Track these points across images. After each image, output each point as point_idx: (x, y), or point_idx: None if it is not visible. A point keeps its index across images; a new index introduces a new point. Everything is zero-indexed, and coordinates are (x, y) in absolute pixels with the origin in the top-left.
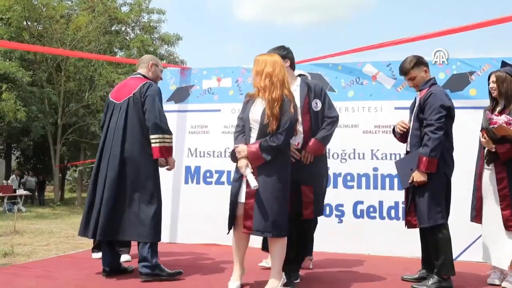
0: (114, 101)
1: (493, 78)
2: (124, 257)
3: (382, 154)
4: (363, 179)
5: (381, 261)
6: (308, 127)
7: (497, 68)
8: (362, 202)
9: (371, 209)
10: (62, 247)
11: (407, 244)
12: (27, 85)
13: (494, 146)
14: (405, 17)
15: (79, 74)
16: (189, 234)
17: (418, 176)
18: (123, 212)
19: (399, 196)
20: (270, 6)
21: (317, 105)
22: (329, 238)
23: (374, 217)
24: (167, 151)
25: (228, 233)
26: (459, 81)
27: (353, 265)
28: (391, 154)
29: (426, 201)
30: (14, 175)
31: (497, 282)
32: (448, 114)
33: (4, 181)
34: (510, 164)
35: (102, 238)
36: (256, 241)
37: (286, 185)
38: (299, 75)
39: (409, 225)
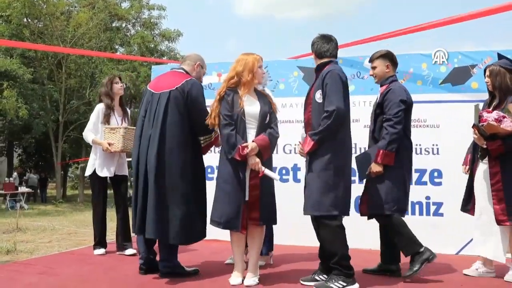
0: (152, 91)
1: (487, 72)
2: (129, 251)
3: None
4: None
5: None
6: (306, 120)
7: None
8: None
9: None
10: (64, 244)
11: None
12: (28, 82)
13: (485, 142)
14: (406, 11)
15: (80, 71)
16: None
17: (374, 167)
18: (155, 210)
19: None
20: (270, 1)
21: (320, 96)
22: None
23: None
24: (207, 147)
25: (241, 231)
26: (461, 75)
27: (355, 260)
28: None
29: (383, 191)
30: (15, 173)
31: (475, 273)
32: (406, 109)
33: (6, 179)
34: (504, 159)
35: (137, 234)
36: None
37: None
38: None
39: (362, 213)
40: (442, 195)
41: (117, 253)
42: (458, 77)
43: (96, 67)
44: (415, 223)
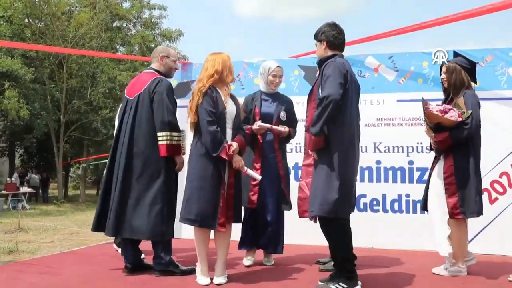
0: (127, 97)
1: (443, 69)
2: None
3: (384, 147)
4: (366, 172)
5: (384, 254)
6: (310, 117)
7: (500, 58)
8: (365, 196)
9: (374, 202)
10: (66, 244)
11: (410, 237)
12: (30, 82)
13: (433, 135)
14: (406, 9)
15: (81, 70)
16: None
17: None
18: (131, 209)
19: (403, 189)
20: (270, 1)
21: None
22: None
23: (378, 210)
24: (174, 149)
25: (225, 230)
26: None
27: (357, 259)
28: (393, 147)
29: None
30: (16, 173)
31: (443, 272)
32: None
33: (8, 179)
34: (457, 153)
35: (111, 235)
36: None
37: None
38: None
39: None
40: None
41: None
42: None
43: (97, 67)
44: (418, 222)
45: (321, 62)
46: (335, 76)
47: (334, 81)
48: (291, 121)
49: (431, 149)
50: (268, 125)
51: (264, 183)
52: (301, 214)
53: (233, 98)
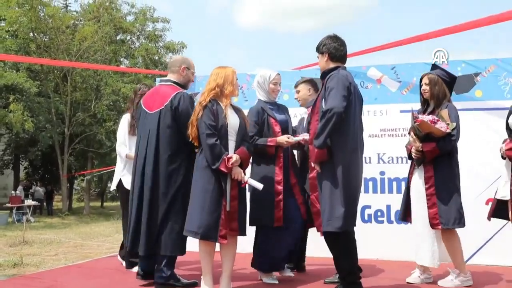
0: (146, 110)
1: (425, 80)
2: (136, 268)
3: (388, 158)
4: (370, 183)
5: (389, 266)
6: (314, 130)
7: (503, 68)
8: (369, 207)
9: (379, 213)
10: (71, 257)
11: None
12: (35, 95)
13: (420, 145)
14: (407, 19)
15: (85, 83)
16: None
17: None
18: (157, 225)
19: None
20: (271, 12)
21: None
22: None
23: (382, 221)
24: None
25: (226, 242)
26: (465, 83)
27: (362, 271)
28: (397, 158)
29: None
30: (20, 186)
31: (417, 281)
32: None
33: (13, 192)
34: (437, 164)
35: (144, 254)
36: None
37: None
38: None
39: None
40: None
41: (126, 269)
42: (462, 85)
43: (101, 79)
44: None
45: (324, 74)
46: (338, 89)
47: (337, 94)
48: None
49: (410, 158)
50: (299, 138)
51: (291, 197)
52: (319, 228)
53: (237, 110)
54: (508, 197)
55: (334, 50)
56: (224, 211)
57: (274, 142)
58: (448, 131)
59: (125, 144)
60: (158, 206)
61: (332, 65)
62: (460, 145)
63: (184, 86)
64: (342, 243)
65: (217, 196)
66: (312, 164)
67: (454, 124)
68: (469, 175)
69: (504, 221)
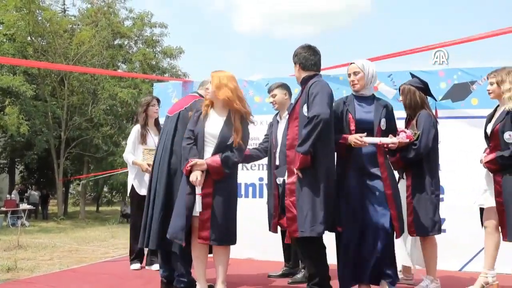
0: (168, 115)
1: (400, 91)
2: (155, 266)
3: None
4: None
5: None
6: (292, 135)
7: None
8: None
9: None
10: (66, 262)
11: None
12: (31, 99)
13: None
14: (404, 23)
15: (82, 88)
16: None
17: None
18: (166, 222)
19: None
20: (269, 18)
21: (307, 110)
22: None
23: None
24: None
25: (184, 245)
26: (461, 91)
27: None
28: None
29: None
30: (15, 190)
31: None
32: None
33: (8, 196)
34: (413, 173)
35: (151, 248)
36: (251, 253)
37: (236, 196)
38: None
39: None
40: (444, 211)
41: (146, 267)
42: (458, 93)
43: (98, 84)
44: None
45: (304, 80)
46: (322, 95)
47: (322, 100)
48: (391, 130)
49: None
50: (377, 140)
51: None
52: (292, 234)
53: (230, 119)
54: (485, 205)
55: (304, 60)
56: (190, 216)
57: (344, 140)
58: (407, 140)
59: (132, 153)
60: (171, 202)
61: (304, 74)
62: (456, 152)
63: None
64: (317, 247)
65: (186, 199)
66: (294, 170)
67: (419, 133)
68: (464, 182)
69: None
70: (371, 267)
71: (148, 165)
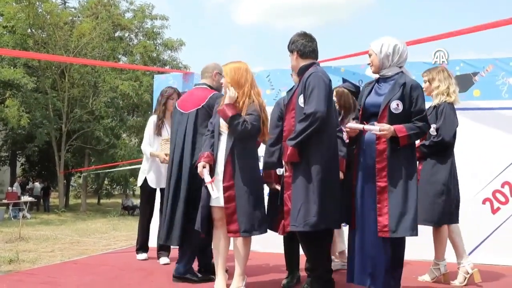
0: (181, 110)
1: (334, 93)
2: (164, 260)
3: None
4: None
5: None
6: (289, 127)
7: (501, 68)
8: None
9: None
10: (67, 253)
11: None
12: (32, 91)
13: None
14: (405, 17)
15: (83, 80)
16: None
17: None
18: (188, 219)
19: None
20: (269, 10)
21: (304, 100)
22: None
23: None
24: None
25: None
26: (463, 82)
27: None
28: None
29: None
30: (16, 182)
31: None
32: None
33: (9, 188)
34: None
35: (162, 242)
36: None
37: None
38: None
39: None
40: None
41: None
42: (460, 85)
43: (99, 76)
44: (419, 232)
45: (301, 70)
46: (320, 89)
47: (320, 95)
48: (412, 113)
49: None
50: (360, 126)
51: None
52: (286, 228)
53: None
54: None
55: (302, 47)
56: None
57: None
58: (347, 141)
59: (150, 144)
60: (194, 200)
61: (302, 62)
62: (458, 144)
63: (217, 89)
64: (318, 240)
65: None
66: (285, 160)
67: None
68: (466, 174)
69: (501, 220)
70: (370, 268)
71: (166, 155)
